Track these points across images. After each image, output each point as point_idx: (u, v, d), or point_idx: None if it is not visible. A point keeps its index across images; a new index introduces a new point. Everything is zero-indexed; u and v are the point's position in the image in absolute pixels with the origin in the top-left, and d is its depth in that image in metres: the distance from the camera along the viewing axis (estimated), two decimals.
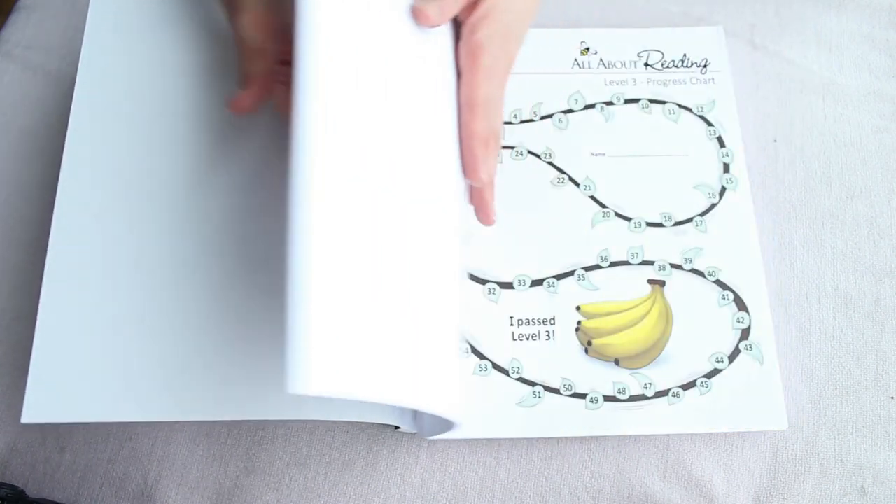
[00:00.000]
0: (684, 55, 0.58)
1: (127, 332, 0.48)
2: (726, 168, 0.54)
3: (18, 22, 0.62)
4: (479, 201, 0.46)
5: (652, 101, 0.56)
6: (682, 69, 0.58)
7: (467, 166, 0.44)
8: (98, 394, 0.46)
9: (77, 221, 0.48)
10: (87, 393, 0.46)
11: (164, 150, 0.53)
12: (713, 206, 0.53)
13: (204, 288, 0.48)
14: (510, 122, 0.55)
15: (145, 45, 0.52)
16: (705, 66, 0.58)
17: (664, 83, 0.57)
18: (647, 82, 0.57)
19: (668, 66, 0.58)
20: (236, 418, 0.48)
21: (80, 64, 0.51)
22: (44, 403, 0.46)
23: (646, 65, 0.58)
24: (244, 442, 0.49)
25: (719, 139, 0.55)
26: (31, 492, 0.48)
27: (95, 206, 0.49)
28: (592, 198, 0.53)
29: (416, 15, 0.42)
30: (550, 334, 0.50)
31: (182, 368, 0.46)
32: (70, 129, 0.52)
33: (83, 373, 0.47)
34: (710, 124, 0.56)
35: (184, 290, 0.48)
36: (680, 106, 0.56)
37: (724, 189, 0.53)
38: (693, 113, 0.56)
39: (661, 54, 0.58)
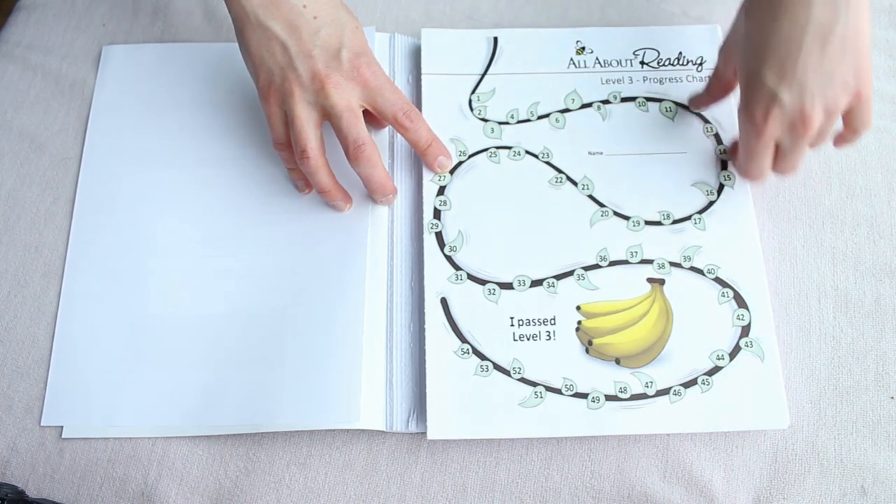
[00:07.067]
0: (680, 53, 0.58)
1: (135, 348, 0.50)
2: (724, 165, 0.54)
3: (18, 22, 0.63)
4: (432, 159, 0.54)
5: (648, 100, 0.56)
6: (678, 67, 0.57)
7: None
8: (106, 405, 0.49)
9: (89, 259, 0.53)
10: (101, 404, 0.49)
11: (173, 165, 0.56)
12: (711, 203, 0.53)
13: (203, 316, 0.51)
14: (507, 123, 0.55)
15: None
16: (701, 63, 0.58)
17: (660, 81, 0.57)
18: (644, 80, 0.57)
19: (664, 65, 0.58)
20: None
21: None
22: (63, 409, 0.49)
23: (642, 63, 0.58)
24: (244, 442, 0.49)
25: (716, 136, 0.55)
26: (31, 492, 0.48)
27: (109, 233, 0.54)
28: (591, 197, 0.53)
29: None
30: (551, 334, 0.49)
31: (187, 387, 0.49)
32: (87, 143, 0.57)
33: (96, 383, 0.49)
34: (706, 121, 0.56)
35: (187, 314, 0.51)
36: (676, 104, 0.56)
37: (722, 186, 0.53)
38: (690, 110, 0.56)
39: (656, 52, 0.58)
